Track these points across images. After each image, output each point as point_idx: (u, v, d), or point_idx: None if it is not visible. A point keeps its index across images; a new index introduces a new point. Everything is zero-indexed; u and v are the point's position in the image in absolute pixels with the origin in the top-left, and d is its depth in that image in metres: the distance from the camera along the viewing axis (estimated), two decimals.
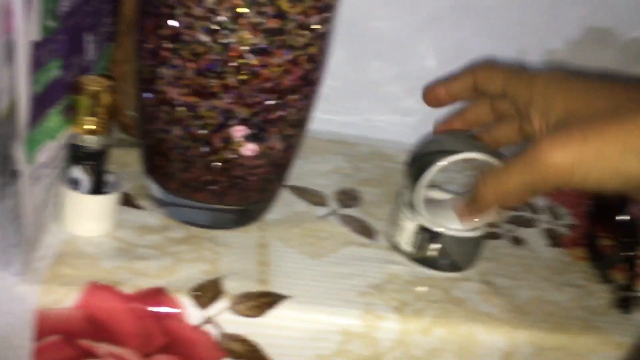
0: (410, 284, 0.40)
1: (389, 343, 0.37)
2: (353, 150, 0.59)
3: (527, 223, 0.52)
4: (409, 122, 0.60)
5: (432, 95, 0.43)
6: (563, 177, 0.32)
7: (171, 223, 0.41)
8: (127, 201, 0.42)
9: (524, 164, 0.34)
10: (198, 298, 0.34)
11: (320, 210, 0.47)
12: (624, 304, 0.42)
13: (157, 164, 0.40)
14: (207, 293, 0.35)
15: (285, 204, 0.47)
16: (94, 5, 0.41)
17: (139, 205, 0.42)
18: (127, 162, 0.46)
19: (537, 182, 0.34)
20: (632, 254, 0.44)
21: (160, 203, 0.41)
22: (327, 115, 0.60)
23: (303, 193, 0.49)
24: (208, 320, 0.34)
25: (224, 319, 0.34)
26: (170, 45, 0.35)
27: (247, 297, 0.35)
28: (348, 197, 0.50)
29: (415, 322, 0.37)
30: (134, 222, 0.40)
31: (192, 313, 0.34)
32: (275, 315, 0.35)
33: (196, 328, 0.34)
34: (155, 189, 0.41)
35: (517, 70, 0.40)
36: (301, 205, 0.47)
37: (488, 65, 0.41)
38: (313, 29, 0.36)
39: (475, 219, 0.40)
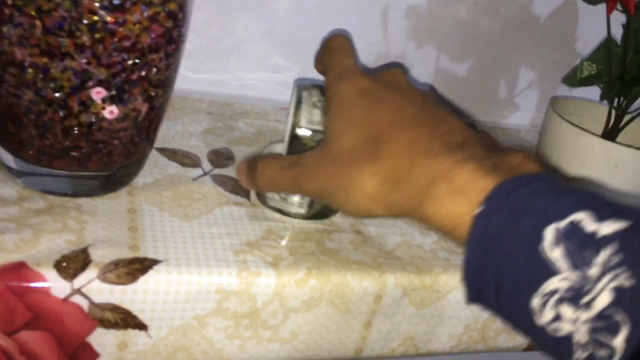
0: (284, 239, 0.41)
1: (266, 298, 0.37)
2: (225, 110, 0.58)
3: None
4: (280, 79, 0.60)
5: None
6: (315, 197, 0.39)
7: (30, 194, 0.38)
8: None
9: (291, 179, 0.37)
10: (63, 269, 0.33)
11: (193, 172, 0.46)
12: None
13: (9, 130, 0.37)
14: (72, 264, 0.33)
15: (156, 167, 0.45)
16: None
17: None
18: None
19: (298, 193, 0.40)
20: None
21: (16, 173, 0.38)
22: (196, 75, 0.59)
23: (175, 155, 0.48)
24: (76, 292, 0.33)
25: (94, 289, 0.33)
26: (12, 1, 0.32)
27: (117, 264, 0.34)
28: (221, 157, 0.49)
29: (290, 276, 0.38)
30: None
31: (57, 285, 0.33)
32: (148, 281, 0.34)
33: (63, 300, 0.33)
34: (9, 158, 0.38)
35: (336, 69, 0.39)
36: (173, 167, 0.46)
37: (333, 46, 0.41)
38: None
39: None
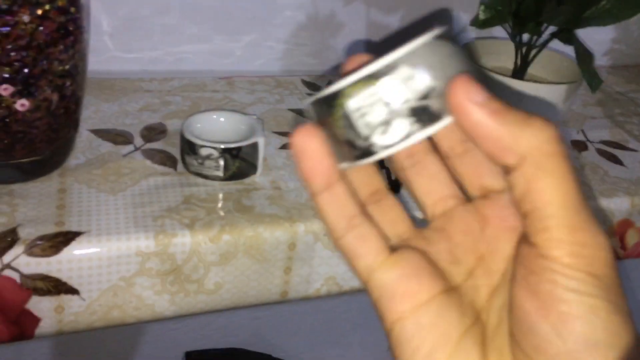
0: (204, 202, 0.45)
1: (184, 255, 0.42)
2: (164, 86, 0.61)
3: None
4: (208, 49, 0.63)
5: None
6: None
7: None
8: None
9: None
10: None
11: (125, 149, 0.50)
12: (394, 186, 0.50)
13: None
14: (1, 243, 0.38)
15: (89, 147, 0.50)
16: None
17: None
18: None
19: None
20: None
21: None
22: (130, 55, 0.62)
23: (108, 135, 0.52)
24: (6, 266, 0.38)
25: (22, 263, 0.38)
26: None
27: (42, 239, 0.39)
28: (154, 132, 0.53)
29: (204, 234, 0.42)
30: None
31: None
32: (71, 251, 0.39)
33: None
34: None
35: None
36: (106, 147, 0.50)
37: None
38: None
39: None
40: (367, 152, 0.23)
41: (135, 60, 0.62)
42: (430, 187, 0.27)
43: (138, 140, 0.52)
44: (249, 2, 0.62)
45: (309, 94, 0.26)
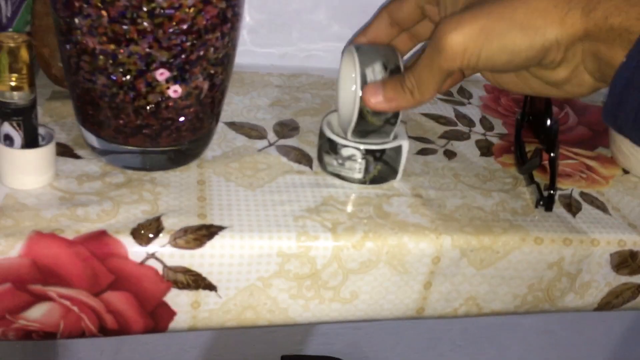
0: (343, 205, 0.43)
1: (325, 260, 0.39)
2: (292, 82, 0.60)
3: (461, 136, 0.54)
4: (341, 48, 0.61)
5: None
6: (460, 58, 0.35)
7: (111, 169, 0.42)
8: (67, 152, 0.43)
9: (431, 51, 0.36)
10: (138, 236, 0.36)
11: (259, 143, 0.49)
12: (546, 203, 0.45)
13: (89, 113, 0.41)
14: (147, 231, 0.37)
15: (225, 140, 0.48)
16: None
17: (78, 155, 0.43)
18: (63, 113, 0.47)
19: (443, 67, 0.36)
20: (553, 155, 0.47)
21: (98, 151, 0.42)
22: (263, 49, 0.61)
23: (242, 128, 0.50)
24: (150, 256, 0.36)
25: (166, 253, 0.37)
26: None
27: (186, 231, 0.38)
28: (286, 128, 0.51)
29: (347, 239, 0.39)
30: (74, 171, 0.41)
31: (134, 250, 0.36)
32: (214, 245, 0.37)
33: (140, 264, 0.36)
34: (91, 138, 0.42)
35: None
36: (241, 140, 0.49)
37: None
38: None
39: (385, 106, 0.41)
40: None
41: (265, 55, 0.61)
42: None
43: (271, 136, 0.50)
44: None
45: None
